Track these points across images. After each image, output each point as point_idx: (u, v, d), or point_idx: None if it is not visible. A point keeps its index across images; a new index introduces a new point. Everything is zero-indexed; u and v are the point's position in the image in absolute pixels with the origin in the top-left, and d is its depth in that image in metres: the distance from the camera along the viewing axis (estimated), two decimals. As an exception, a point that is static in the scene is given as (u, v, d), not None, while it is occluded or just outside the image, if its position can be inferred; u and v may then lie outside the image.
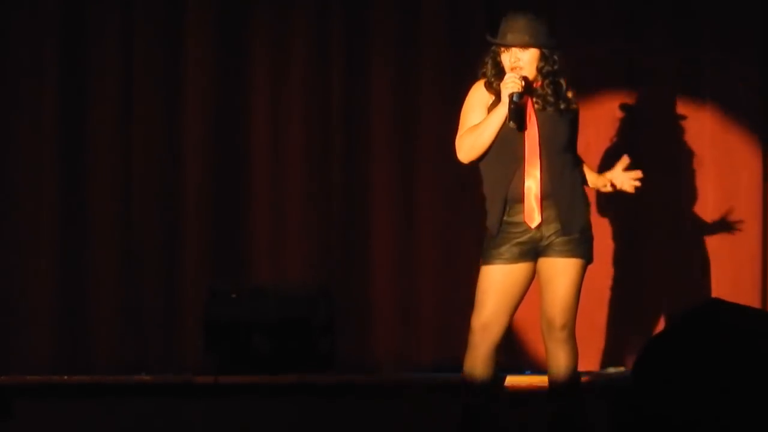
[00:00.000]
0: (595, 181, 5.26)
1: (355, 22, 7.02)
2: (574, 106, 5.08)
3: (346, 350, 6.70)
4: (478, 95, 5.10)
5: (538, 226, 4.97)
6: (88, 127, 6.96)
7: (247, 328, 6.47)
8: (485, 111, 5.03)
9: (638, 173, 5.22)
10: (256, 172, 7.01)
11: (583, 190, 5.09)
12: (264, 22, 7.01)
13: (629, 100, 6.97)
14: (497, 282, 5.02)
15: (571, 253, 5.00)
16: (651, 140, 6.95)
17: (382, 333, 6.99)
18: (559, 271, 5.00)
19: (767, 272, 6.96)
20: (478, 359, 5.07)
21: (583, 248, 5.04)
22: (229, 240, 7.01)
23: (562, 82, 5.06)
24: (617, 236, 6.91)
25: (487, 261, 5.04)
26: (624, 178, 5.25)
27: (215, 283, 6.66)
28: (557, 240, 4.99)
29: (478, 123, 5.00)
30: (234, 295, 6.52)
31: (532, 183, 4.96)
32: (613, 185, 5.24)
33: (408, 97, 7.02)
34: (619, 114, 6.95)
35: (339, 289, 6.73)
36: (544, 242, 5.01)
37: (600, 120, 6.91)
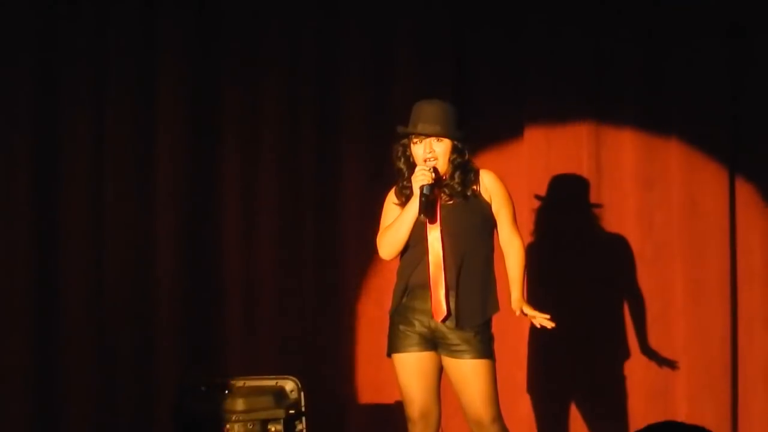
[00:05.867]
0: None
1: (326, 112, 7.05)
2: (485, 195, 5.07)
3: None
4: (391, 199, 5.22)
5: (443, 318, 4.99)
6: (60, 233, 7.02)
7: (218, 421, 6.47)
8: (399, 212, 5.11)
9: (547, 316, 5.12)
10: (228, 265, 7.04)
11: (489, 286, 5.05)
12: (234, 113, 7.08)
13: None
14: (413, 369, 5.03)
15: (472, 355, 4.97)
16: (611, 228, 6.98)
17: (356, 423, 6.98)
18: (469, 372, 4.98)
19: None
20: None
21: (482, 348, 5.01)
22: (202, 333, 7.04)
23: (471, 173, 5.08)
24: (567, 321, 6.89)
25: (395, 350, 5.06)
26: (536, 319, 5.15)
27: (186, 377, 6.69)
28: (452, 336, 4.97)
29: (394, 220, 5.07)
30: (204, 388, 6.53)
31: (438, 276, 4.96)
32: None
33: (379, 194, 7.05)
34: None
35: (311, 381, 6.75)
36: (439, 334, 4.99)
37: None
